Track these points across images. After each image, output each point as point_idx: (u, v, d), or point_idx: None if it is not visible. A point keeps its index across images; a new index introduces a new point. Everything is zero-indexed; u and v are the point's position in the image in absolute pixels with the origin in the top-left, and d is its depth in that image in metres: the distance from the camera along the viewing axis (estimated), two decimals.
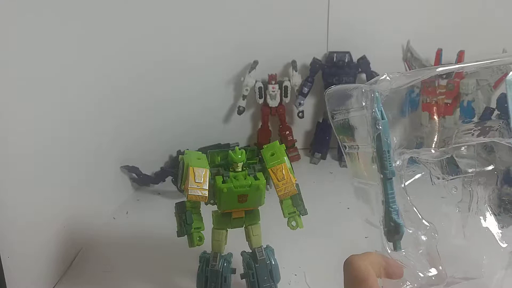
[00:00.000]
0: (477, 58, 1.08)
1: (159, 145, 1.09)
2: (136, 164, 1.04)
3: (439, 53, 1.08)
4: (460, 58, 1.05)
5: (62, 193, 0.79)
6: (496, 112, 0.89)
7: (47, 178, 0.75)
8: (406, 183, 0.45)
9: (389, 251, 0.44)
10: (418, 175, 0.46)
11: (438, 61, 1.08)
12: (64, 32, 0.79)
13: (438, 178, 0.47)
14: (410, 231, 0.44)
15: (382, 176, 0.43)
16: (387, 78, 0.43)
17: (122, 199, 1.03)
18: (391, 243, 0.44)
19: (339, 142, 0.49)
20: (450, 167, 0.47)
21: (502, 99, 0.88)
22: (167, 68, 1.06)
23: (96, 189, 0.91)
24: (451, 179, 0.47)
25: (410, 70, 1.14)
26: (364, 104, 0.43)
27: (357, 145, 0.46)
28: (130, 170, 1.03)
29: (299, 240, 0.76)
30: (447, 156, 0.46)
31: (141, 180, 1.05)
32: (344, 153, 0.49)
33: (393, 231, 0.43)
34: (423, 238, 0.44)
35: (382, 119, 0.42)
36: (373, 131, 0.42)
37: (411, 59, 1.13)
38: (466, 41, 1.06)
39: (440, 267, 0.43)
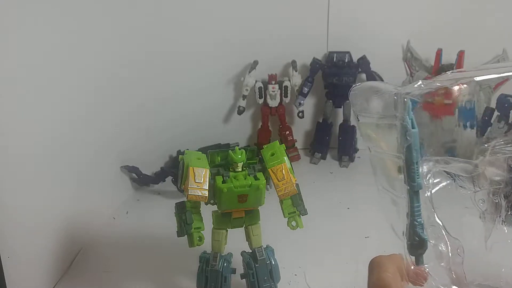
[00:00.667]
0: (476, 58, 1.08)
1: (159, 145, 1.09)
2: (136, 164, 1.04)
3: (439, 53, 1.08)
4: (460, 58, 1.05)
5: (62, 193, 0.79)
6: (496, 112, 0.89)
7: (47, 178, 0.75)
8: (432, 193, 0.43)
9: (412, 267, 0.42)
10: (442, 184, 0.45)
11: (438, 61, 1.08)
12: (63, 32, 0.79)
13: (465, 188, 0.45)
14: (432, 242, 0.42)
15: (408, 188, 0.41)
16: (421, 85, 0.42)
17: (122, 199, 1.03)
18: (413, 256, 0.42)
19: (364, 142, 0.47)
20: (479, 179, 0.45)
21: (502, 99, 0.88)
22: (167, 68, 1.06)
23: (96, 189, 0.91)
24: (478, 191, 0.45)
25: (410, 70, 1.14)
26: (395, 113, 0.40)
27: (383, 151, 0.45)
28: (130, 170, 1.03)
29: (299, 240, 0.76)
30: (479, 172, 0.44)
31: (141, 180, 1.05)
32: (370, 154, 0.47)
33: (417, 246, 0.41)
34: (447, 252, 0.42)
35: (413, 128, 0.40)
36: (403, 141, 0.40)
37: (411, 59, 1.13)
38: (466, 41, 1.06)
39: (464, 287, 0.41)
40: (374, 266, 0.42)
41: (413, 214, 0.41)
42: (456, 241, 0.42)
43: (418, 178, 0.40)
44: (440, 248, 0.42)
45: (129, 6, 0.97)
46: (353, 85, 0.47)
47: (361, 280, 0.71)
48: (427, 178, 0.43)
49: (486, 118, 0.90)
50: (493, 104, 0.94)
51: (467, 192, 0.45)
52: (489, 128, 0.87)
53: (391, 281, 0.39)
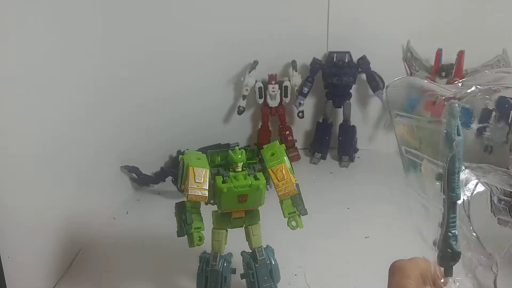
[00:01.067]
0: (476, 58, 1.07)
1: (159, 145, 1.09)
2: (136, 164, 1.04)
3: (439, 53, 1.08)
4: (460, 58, 1.05)
5: (62, 193, 0.79)
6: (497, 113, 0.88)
7: (47, 178, 0.75)
8: (469, 203, 0.41)
9: (442, 280, 0.40)
10: (476, 192, 0.42)
11: (438, 61, 1.08)
12: (63, 32, 0.79)
13: (500, 201, 0.42)
14: (464, 254, 0.40)
15: (446, 198, 0.39)
16: (477, 90, 0.39)
17: (122, 199, 1.03)
18: (443, 268, 0.40)
19: (397, 142, 0.45)
20: None
21: (502, 100, 0.88)
22: (167, 68, 1.06)
23: (96, 189, 0.91)
24: None
25: (410, 70, 1.14)
26: (442, 119, 0.38)
27: (421, 156, 0.42)
28: (130, 170, 1.03)
29: (299, 240, 0.76)
30: None
31: (141, 180, 1.05)
32: (401, 155, 0.45)
33: (449, 258, 0.40)
34: (479, 266, 0.41)
35: (458, 135, 0.38)
36: (447, 151, 0.38)
37: (411, 59, 1.14)
38: (466, 41, 1.06)
39: None
40: (395, 271, 0.40)
41: (448, 225, 0.39)
42: (490, 256, 0.41)
43: (458, 188, 0.39)
44: (472, 261, 0.41)
45: (129, 6, 0.97)
46: (393, 80, 0.45)
47: (362, 280, 0.71)
48: (465, 187, 0.41)
49: (486, 119, 0.90)
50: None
51: (502, 204, 0.43)
52: (488, 129, 0.87)
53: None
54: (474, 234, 0.41)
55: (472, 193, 0.41)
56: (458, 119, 0.38)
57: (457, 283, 0.41)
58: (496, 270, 0.41)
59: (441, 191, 0.39)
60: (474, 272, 0.41)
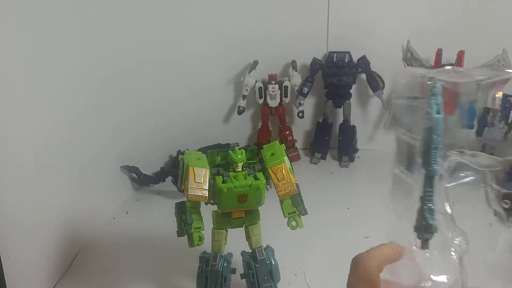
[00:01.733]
0: (476, 58, 1.07)
1: (159, 145, 1.09)
2: (136, 164, 1.04)
3: (439, 53, 1.08)
4: (460, 58, 1.05)
5: (62, 193, 0.79)
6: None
7: (47, 178, 0.75)
8: (450, 185, 0.43)
9: (414, 248, 0.43)
10: (467, 179, 0.44)
11: (438, 61, 1.08)
12: (64, 32, 0.79)
13: (493, 190, 0.44)
14: (440, 231, 0.42)
15: (424, 172, 0.41)
16: (451, 71, 0.42)
17: (122, 199, 1.03)
18: (420, 240, 0.43)
19: (395, 124, 0.47)
20: (506, 179, 0.43)
21: (502, 99, 0.88)
22: (167, 68, 1.06)
23: (96, 189, 0.91)
24: (504, 192, 0.44)
25: None
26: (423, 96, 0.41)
27: (409, 134, 0.45)
28: (130, 170, 1.03)
29: (299, 240, 0.76)
30: (501, 167, 0.43)
31: (141, 180, 1.05)
32: (396, 137, 0.47)
33: (422, 230, 0.42)
34: (452, 243, 0.43)
35: (438, 113, 0.40)
36: (423, 124, 0.41)
37: (411, 59, 1.14)
38: (466, 41, 1.06)
39: (459, 279, 0.42)
40: (354, 264, 0.44)
41: (424, 198, 0.42)
42: (461, 233, 0.42)
43: (434, 164, 0.41)
44: (444, 236, 0.42)
45: (129, 6, 0.97)
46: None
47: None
48: (450, 167, 0.43)
49: (487, 118, 0.90)
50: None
51: (492, 192, 0.44)
52: (486, 128, 0.87)
53: (369, 278, 0.42)
54: (449, 210, 0.43)
55: (450, 171, 0.43)
56: (439, 97, 0.40)
57: (427, 254, 0.43)
58: (465, 247, 0.42)
59: (422, 166, 0.42)
60: (445, 246, 0.43)
